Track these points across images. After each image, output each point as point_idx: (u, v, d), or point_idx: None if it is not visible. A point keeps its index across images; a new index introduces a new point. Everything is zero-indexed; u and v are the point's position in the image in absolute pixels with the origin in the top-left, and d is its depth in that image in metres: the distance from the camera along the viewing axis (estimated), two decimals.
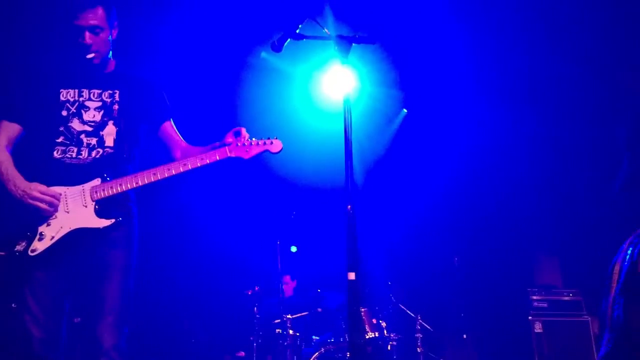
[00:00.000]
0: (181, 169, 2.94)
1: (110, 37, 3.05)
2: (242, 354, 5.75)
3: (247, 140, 3.01)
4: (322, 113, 6.16)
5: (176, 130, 3.24)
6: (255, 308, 5.54)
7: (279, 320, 5.41)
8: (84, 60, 2.98)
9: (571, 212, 6.39)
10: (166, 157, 3.20)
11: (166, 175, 2.93)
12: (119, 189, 2.88)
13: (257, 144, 3.02)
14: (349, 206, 2.67)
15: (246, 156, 3.00)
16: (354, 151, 2.67)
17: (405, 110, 6.81)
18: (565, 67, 5.83)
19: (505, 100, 6.22)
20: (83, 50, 2.95)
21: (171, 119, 3.24)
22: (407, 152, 6.59)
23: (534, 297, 5.94)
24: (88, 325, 2.81)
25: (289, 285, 6.28)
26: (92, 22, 2.94)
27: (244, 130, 3.04)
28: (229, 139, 3.01)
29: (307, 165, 5.70)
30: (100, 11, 2.96)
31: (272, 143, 3.03)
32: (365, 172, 6.32)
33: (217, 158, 2.98)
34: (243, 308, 5.78)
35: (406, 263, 6.34)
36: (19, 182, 2.82)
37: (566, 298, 5.99)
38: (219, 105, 6.02)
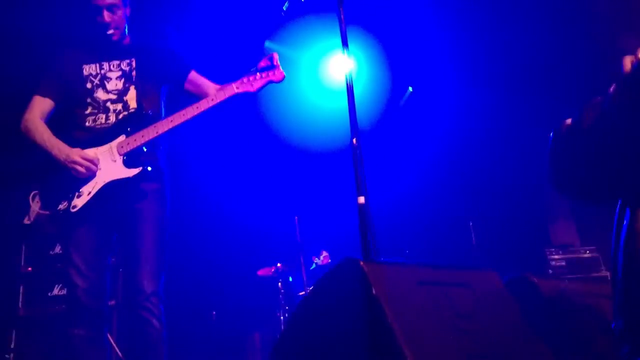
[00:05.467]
0: (195, 112, 3.15)
1: (125, 14, 3.33)
2: None
3: (252, 75, 3.21)
4: (330, 92, 6.42)
5: (203, 77, 3.42)
6: (280, 283, 5.73)
7: (303, 293, 5.57)
8: (104, 37, 3.27)
9: None
10: None
11: (182, 120, 3.15)
12: (142, 140, 3.12)
13: (261, 76, 3.21)
14: (354, 139, 2.86)
15: (252, 89, 3.20)
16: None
17: (411, 88, 6.96)
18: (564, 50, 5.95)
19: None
20: (102, 27, 3.24)
21: (194, 70, 3.43)
22: (416, 123, 6.75)
23: (552, 257, 6.03)
24: (128, 274, 3.06)
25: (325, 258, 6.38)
26: (109, 1, 3.22)
27: (276, 55, 3.25)
28: (263, 63, 3.23)
29: (316, 139, 5.93)
30: None
31: (274, 73, 3.22)
32: (372, 144, 6.47)
33: (225, 96, 3.20)
34: (267, 284, 5.95)
35: (421, 229, 6.45)
36: (62, 148, 3.10)
37: (585, 255, 6.07)
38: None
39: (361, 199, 2.69)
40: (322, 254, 6.22)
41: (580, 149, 1.64)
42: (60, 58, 3.34)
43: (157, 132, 3.14)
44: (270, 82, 3.23)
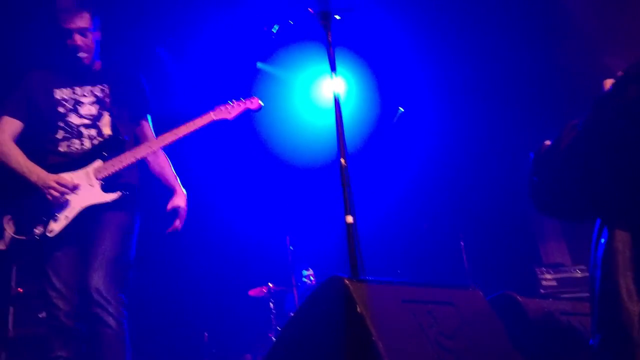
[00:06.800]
0: (173, 138, 3.22)
1: (95, 38, 3.37)
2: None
3: (229, 103, 3.34)
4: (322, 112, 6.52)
5: (151, 128, 3.50)
6: (271, 303, 5.72)
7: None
8: (75, 61, 3.30)
9: None
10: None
11: (160, 145, 3.22)
12: (120, 165, 3.15)
13: (238, 105, 3.33)
14: (342, 159, 2.90)
15: (229, 117, 3.31)
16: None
17: (402, 109, 7.01)
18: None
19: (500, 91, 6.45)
20: (73, 50, 3.27)
21: (148, 116, 3.51)
22: (405, 142, 6.81)
23: (543, 276, 6.03)
24: (81, 272, 3.01)
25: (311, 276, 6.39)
26: (81, 24, 3.26)
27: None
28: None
29: (308, 157, 5.99)
30: (86, 15, 3.28)
31: (251, 102, 3.35)
32: (362, 163, 6.52)
33: (203, 123, 3.28)
34: (258, 304, 5.94)
35: (412, 249, 6.47)
36: (40, 174, 3.08)
37: (576, 275, 6.06)
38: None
39: (349, 218, 2.72)
40: (307, 271, 6.24)
41: (558, 170, 1.68)
42: (29, 80, 3.33)
43: (135, 158, 3.19)
44: (248, 110, 3.35)
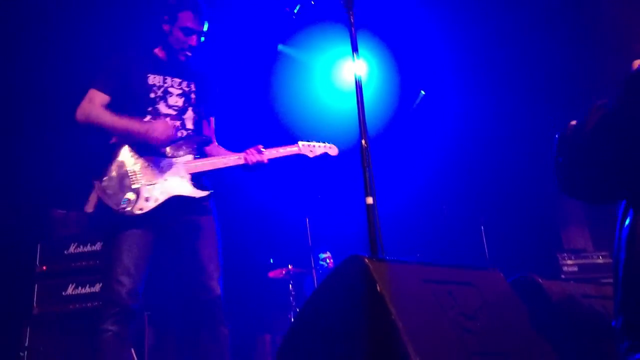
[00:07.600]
0: (261, 158, 3.37)
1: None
2: None
3: (313, 143, 3.62)
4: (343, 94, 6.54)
5: (213, 129, 3.61)
6: (290, 285, 5.75)
7: None
8: (172, 52, 3.39)
9: None
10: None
11: (248, 162, 3.35)
12: (210, 167, 3.29)
13: (320, 147, 3.62)
14: (363, 141, 2.89)
15: (310, 155, 3.58)
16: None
17: (423, 92, 6.95)
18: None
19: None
20: (184, 48, 3.37)
21: (213, 118, 3.61)
22: (427, 125, 6.76)
23: (565, 262, 5.97)
24: (197, 278, 3.20)
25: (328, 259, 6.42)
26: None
27: None
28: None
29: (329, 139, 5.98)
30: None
31: (331, 148, 3.66)
32: (383, 146, 6.48)
33: (288, 153, 3.51)
34: (278, 286, 5.97)
35: (432, 232, 6.44)
36: (139, 124, 3.19)
37: (598, 261, 6.00)
38: (255, 93, 6.37)
39: (369, 200, 2.72)
40: (325, 254, 6.25)
41: (584, 150, 1.66)
42: (123, 58, 3.39)
43: (225, 165, 3.32)
44: (327, 154, 3.63)
